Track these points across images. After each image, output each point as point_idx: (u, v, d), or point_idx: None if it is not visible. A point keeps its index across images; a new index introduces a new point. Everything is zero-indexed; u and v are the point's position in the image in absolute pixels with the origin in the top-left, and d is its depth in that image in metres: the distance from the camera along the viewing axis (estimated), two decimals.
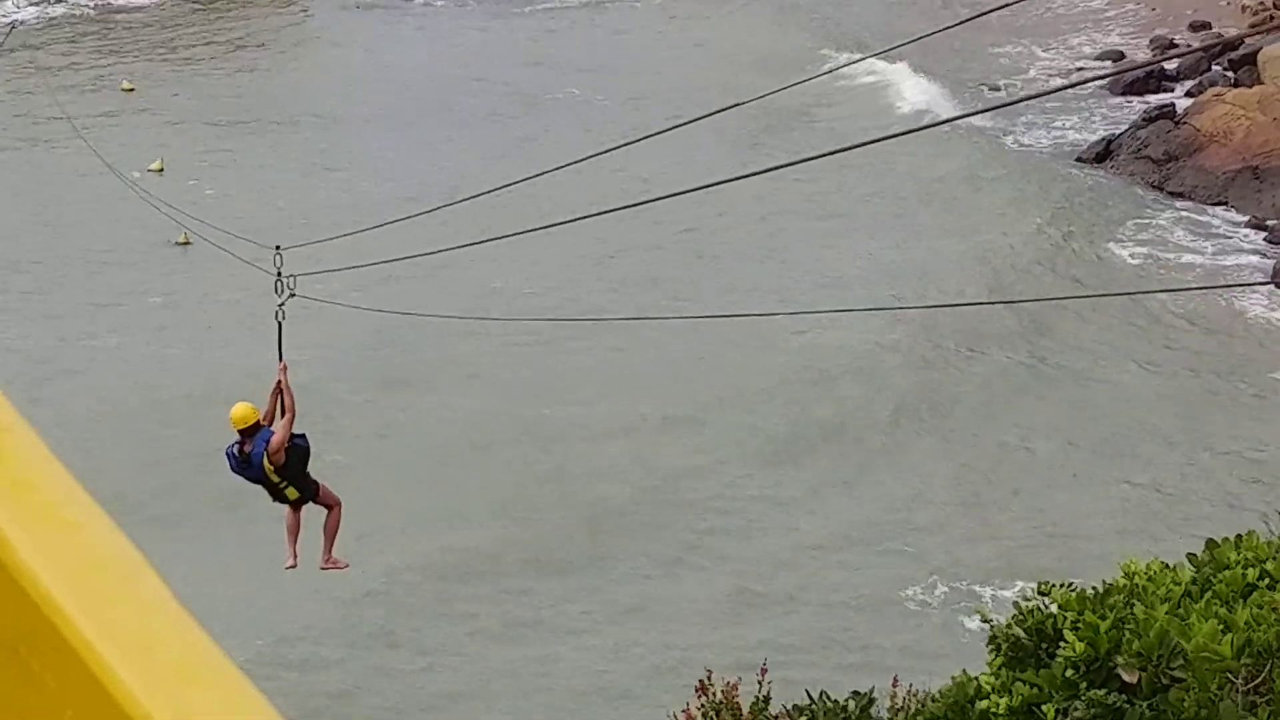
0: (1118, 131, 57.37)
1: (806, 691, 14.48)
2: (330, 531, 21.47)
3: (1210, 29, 66.75)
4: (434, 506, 37.67)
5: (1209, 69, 61.23)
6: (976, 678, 11.79)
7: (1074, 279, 48.42)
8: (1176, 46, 65.13)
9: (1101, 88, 61.31)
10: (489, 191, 25.58)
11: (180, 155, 57.89)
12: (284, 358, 20.75)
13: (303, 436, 20.66)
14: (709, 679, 16.42)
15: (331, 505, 21.31)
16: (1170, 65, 61.98)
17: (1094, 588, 11.80)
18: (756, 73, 60.60)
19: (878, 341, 44.37)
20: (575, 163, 21.96)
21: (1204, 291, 45.78)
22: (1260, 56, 58.61)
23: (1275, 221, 51.54)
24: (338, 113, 61.79)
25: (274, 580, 23.78)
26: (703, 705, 16.25)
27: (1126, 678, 10.64)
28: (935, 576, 35.25)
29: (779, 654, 28.97)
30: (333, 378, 41.29)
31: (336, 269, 28.21)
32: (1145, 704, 10.52)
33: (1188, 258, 50.04)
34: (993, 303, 43.96)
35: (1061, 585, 11.97)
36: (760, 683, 15.53)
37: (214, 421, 37.56)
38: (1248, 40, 60.79)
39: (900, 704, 15.51)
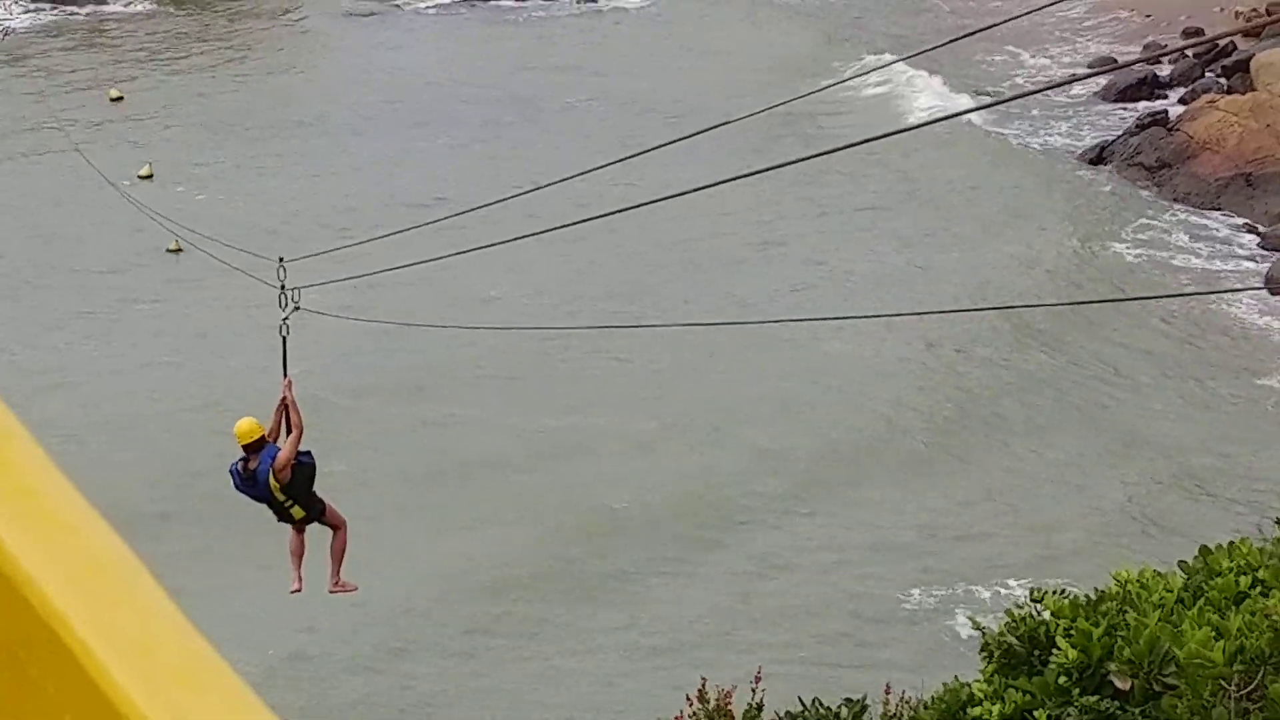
0: (1110, 139, 57.21)
1: (799, 699, 14.50)
2: (337, 554, 20.96)
3: (1203, 35, 66.77)
4: (437, 516, 37.66)
5: (1202, 75, 61.08)
6: (969, 684, 11.81)
7: (1073, 284, 48.41)
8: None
9: (1094, 95, 61.23)
10: (497, 201, 25.32)
11: (171, 162, 57.81)
12: (288, 372, 20.06)
13: (308, 454, 20.10)
14: (703, 687, 16.44)
15: (337, 526, 20.81)
16: (1163, 73, 61.89)
17: (1087, 595, 11.82)
18: (757, 79, 60.63)
19: (874, 348, 44.40)
20: (588, 172, 21.81)
21: (1197, 297, 45.78)
22: (1253, 63, 58.55)
23: (1267, 228, 51.51)
24: (330, 119, 61.72)
25: (279, 594, 23.55)
26: (695, 713, 16.26)
27: (1119, 685, 10.65)
28: (931, 583, 35.28)
29: (774, 664, 28.94)
30: (329, 387, 41.23)
31: (337, 280, 27.61)
32: (1138, 711, 10.53)
33: (1181, 259, 49.99)
34: (990, 308, 43.98)
35: (1054, 592, 11.99)
36: (754, 689, 15.55)
37: (210, 428, 37.74)
38: (1240, 46, 60.74)
39: (893, 711, 15.52)
